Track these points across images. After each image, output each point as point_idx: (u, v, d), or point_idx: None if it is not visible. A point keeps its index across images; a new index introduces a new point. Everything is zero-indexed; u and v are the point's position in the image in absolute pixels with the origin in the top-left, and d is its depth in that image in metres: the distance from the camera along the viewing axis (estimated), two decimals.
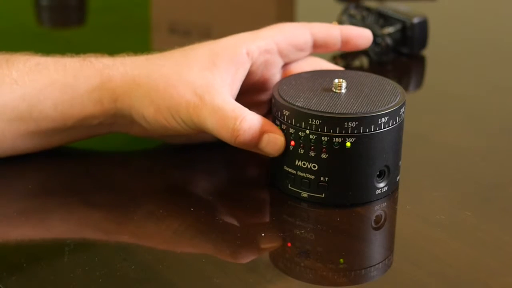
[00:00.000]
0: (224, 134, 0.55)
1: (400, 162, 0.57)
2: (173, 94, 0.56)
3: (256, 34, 0.58)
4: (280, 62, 0.59)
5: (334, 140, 0.53)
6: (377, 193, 0.55)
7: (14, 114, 0.57)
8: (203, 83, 0.55)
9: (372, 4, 0.88)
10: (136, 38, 0.94)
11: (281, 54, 0.59)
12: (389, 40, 0.81)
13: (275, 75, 0.60)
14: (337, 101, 0.54)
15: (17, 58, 0.58)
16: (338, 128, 0.53)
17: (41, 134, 0.58)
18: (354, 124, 0.53)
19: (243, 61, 0.57)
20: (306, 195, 0.55)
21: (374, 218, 0.55)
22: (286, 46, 0.59)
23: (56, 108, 0.57)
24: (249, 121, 0.54)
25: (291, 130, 0.54)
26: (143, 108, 0.57)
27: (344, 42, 0.60)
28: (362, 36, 0.61)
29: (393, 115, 0.54)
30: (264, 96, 0.61)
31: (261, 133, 0.54)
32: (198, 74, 0.56)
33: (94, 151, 0.62)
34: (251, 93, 0.60)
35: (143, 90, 0.56)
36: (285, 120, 0.54)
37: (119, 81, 0.57)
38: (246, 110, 0.55)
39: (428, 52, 0.84)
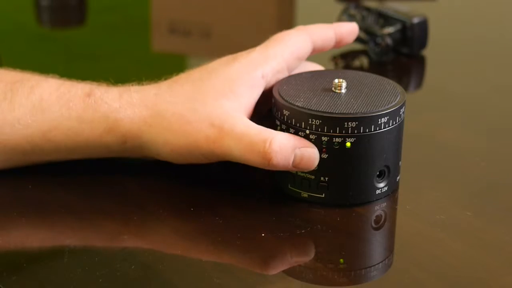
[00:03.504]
0: (254, 159, 0.53)
1: (400, 162, 0.57)
2: (190, 132, 0.54)
3: (266, 53, 0.57)
4: (286, 75, 0.59)
5: (334, 140, 0.53)
6: (377, 193, 0.55)
7: (16, 151, 0.56)
8: (219, 112, 0.54)
9: (372, 4, 0.88)
10: (136, 38, 0.94)
11: (288, 69, 0.59)
12: (389, 40, 0.81)
13: None
14: (337, 101, 0.54)
15: (21, 86, 0.56)
16: (338, 128, 0.53)
17: (42, 162, 0.58)
18: (354, 124, 0.53)
19: (259, 85, 0.56)
20: (306, 195, 0.55)
21: (374, 218, 0.55)
22: (293, 61, 0.58)
23: (59, 149, 0.56)
24: (279, 141, 0.53)
25: (291, 130, 0.54)
26: (158, 148, 0.55)
27: (338, 41, 0.61)
28: (351, 32, 0.61)
29: (393, 115, 0.54)
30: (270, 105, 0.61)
31: (293, 150, 0.53)
32: (213, 104, 0.55)
33: None
34: (258, 105, 0.59)
35: (155, 131, 0.55)
36: (285, 120, 0.54)
37: (128, 124, 0.55)
38: (271, 131, 0.54)
39: (428, 52, 0.84)
